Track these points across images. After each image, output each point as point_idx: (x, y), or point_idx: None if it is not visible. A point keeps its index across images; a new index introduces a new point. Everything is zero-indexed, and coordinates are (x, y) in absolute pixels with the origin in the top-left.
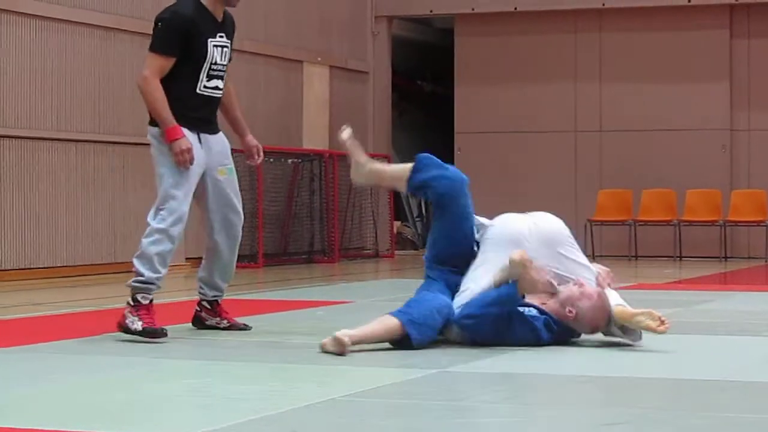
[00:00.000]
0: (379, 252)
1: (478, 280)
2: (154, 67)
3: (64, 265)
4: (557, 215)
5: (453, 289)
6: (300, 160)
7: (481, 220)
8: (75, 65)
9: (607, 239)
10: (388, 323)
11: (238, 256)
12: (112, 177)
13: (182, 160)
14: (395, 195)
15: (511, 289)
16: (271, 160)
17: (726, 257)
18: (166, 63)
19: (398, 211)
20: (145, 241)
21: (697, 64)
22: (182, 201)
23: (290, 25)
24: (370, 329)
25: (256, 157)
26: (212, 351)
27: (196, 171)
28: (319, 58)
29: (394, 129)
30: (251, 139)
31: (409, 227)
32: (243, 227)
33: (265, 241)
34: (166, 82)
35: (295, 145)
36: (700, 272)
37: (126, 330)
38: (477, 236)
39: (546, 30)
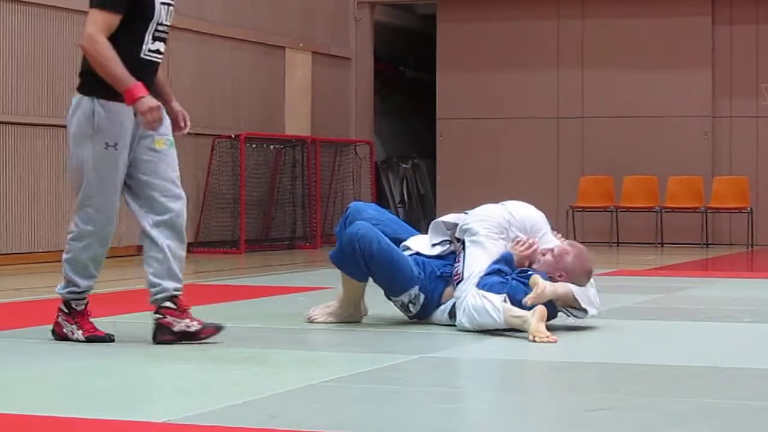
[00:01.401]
0: None
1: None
2: (101, 23)
3: (45, 250)
4: (539, 201)
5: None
6: (282, 146)
7: (449, 218)
8: (57, 50)
9: (589, 226)
10: None
11: (222, 241)
12: None
13: (152, 120)
14: (377, 181)
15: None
16: (254, 145)
17: (708, 244)
18: (113, 20)
19: (380, 197)
20: (75, 245)
21: (680, 50)
22: (112, 194)
23: (273, 11)
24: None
25: (183, 125)
26: None
27: (125, 153)
28: (302, 44)
29: (376, 115)
30: (177, 106)
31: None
32: (188, 209)
33: (247, 227)
34: None
35: (278, 131)
36: (681, 259)
37: (65, 339)
38: (449, 234)
39: (528, 16)
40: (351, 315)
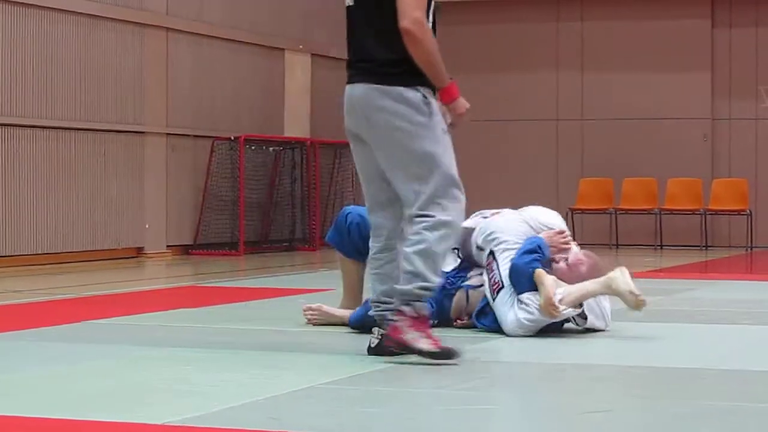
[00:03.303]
0: None
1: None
2: (423, 5)
3: (45, 252)
4: (538, 203)
5: None
6: (281, 148)
7: (466, 223)
8: (56, 52)
9: (589, 227)
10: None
11: (221, 243)
12: (93, 164)
13: (461, 124)
14: None
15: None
16: (253, 147)
17: (707, 246)
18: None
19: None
20: (430, 235)
21: (679, 53)
22: (457, 178)
23: (272, 12)
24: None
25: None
26: (192, 339)
27: None
28: (301, 46)
29: None
30: None
31: None
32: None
33: (246, 228)
34: None
35: (277, 133)
36: (680, 261)
37: (404, 347)
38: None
39: (528, 19)
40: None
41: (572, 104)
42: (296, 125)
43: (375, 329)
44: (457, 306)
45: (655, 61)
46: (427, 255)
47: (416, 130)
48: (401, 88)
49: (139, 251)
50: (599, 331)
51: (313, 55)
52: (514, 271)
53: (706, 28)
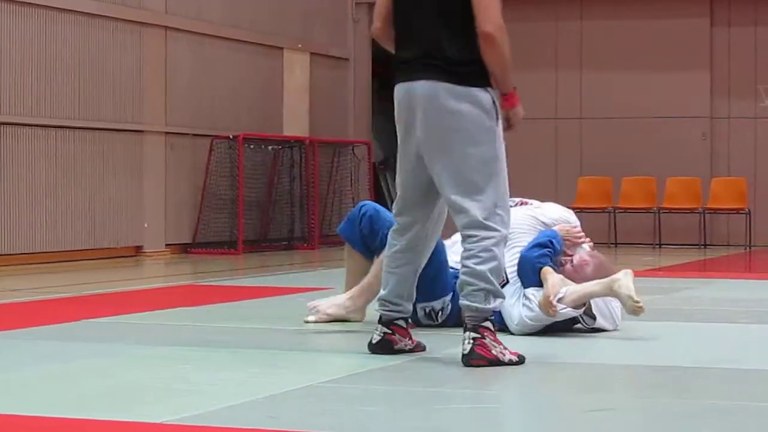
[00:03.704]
0: None
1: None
2: (500, 8)
3: (43, 251)
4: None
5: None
6: (280, 147)
7: None
8: (54, 51)
9: (587, 226)
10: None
11: (220, 242)
12: (92, 163)
13: (515, 130)
14: (375, 181)
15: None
16: (252, 146)
17: (705, 245)
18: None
19: (378, 198)
20: (498, 252)
21: (678, 52)
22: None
23: (271, 11)
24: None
25: None
26: (191, 337)
27: None
28: (300, 45)
29: (374, 115)
30: None
31: None
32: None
33: (245, 227)
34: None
35: (276, 132)
36: (679, 260)
37: (495, 363)
38: None
39: (527, 18)
40: (355, 310)
41: (571, 103)
42: (295, 124)
43: (378, 326)
44: None
45: (654, 60)
46: (498, 272)
47: (481, 133)
48: (474, 89)
49: (138, 250)
50: (605, 331)
51: (312, 54)
52: (522, 264)
53: (705, 27)
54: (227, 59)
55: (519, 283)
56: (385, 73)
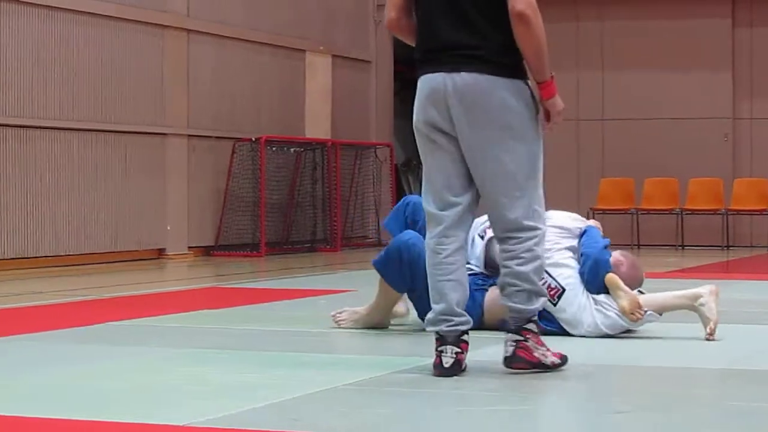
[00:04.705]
0: (382, 241)
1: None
2: None
3: (66, 254)
4: (559, 204)
5: None
6: (302, 149)
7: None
8: (77, 54)
9: (609, 228)
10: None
11: (242, 244)
12: (114, 166)
13: (557, 123)
14: (397, 182)
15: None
16: (274, 148)
17: (728, 246)
18: None
19: (400, 200)
20: (539, 250)
21: (700, 52)
22: None
23: (293, 14)
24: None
25: None
26: (213, 340)
27: None
28: (322, 47)
29: (396, 117)
30: None
31: None
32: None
33: (267, 230)
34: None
35: (298, 134)
36: (702, 261)
37: (538, 366)
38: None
39: (547, 18)
40: (377, 324)
41: (593, 104)
42: (317, 126)
43: (448, 347)
44: (490, 308)
45: (675, 61)
46: (540, 271)
47: (525, 127)
48: (517, 81)
49: (160, 253)
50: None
51: (334, 56)
52: (595, 268)
53: (726, 27)
54: (249, 62)
55: (581, 288)
56: (407, 73)
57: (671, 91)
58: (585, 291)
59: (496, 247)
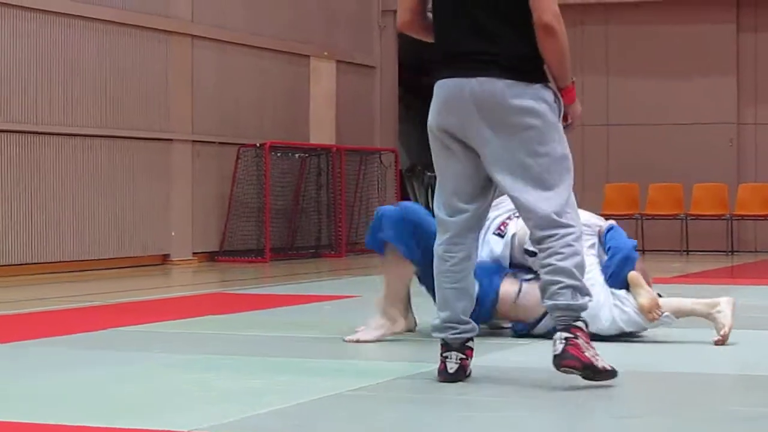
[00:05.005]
0: None
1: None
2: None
3: (71, 259)
4: None
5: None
6: (307, 155)
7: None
8: (82, 60)
9: None
10: None
11: (247, 250)
12: (119, 172)
13: (575, 127)
14: (402, 188)
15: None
16: (278, 154)
17: (733, 251)
18: None
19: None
20: (579, 246)
21: (704, 58)
22: None
23: (297, 19)
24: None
25: None
26: (218, 346)
27: None
28: (326, 53)
29: (400, 123)
30: None
31: None
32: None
33: (271, 235)
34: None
35: (302, 140)
36: (706, 266)
37: (588, 367)
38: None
39: None
40: (397, 323)
41: (597, 109)
42: (322, 132)
43: (453, 353)
44: (505, 300)
45: (680, 66)
46: (582, 268)
47: (549, 131)
48: (539, 85)
49: (165, 258)
50: (630, 337)
51: (338, 61)
52: (623, 263)
53: (731, 32)
54: (253, 67)
55: (602, 285)
56: (412, 79)
57: (676, 97)
58: (605, 288)
59: (519, 241)
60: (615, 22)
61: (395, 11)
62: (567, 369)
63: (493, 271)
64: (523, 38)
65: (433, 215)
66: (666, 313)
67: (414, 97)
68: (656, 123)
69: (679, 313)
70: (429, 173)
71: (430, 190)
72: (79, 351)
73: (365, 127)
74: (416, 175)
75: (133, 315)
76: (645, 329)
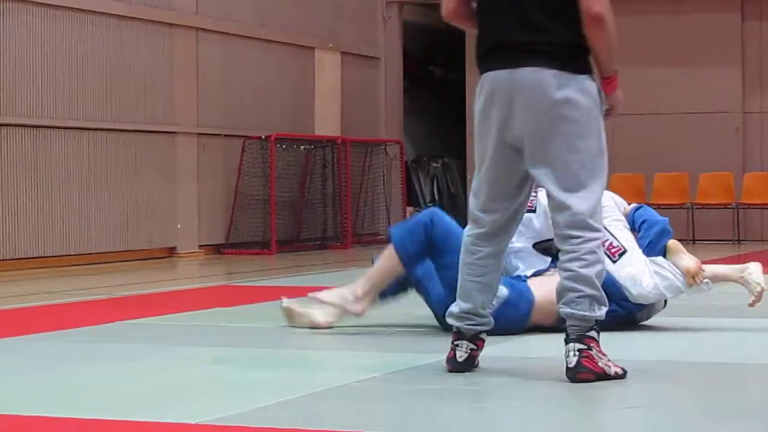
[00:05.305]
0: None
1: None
2: None
3: (77, 253)
4: None
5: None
6: (312, 147)
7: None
8: (86, 54)
9: None
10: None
11: (252, 242)
12: (124, 165)
13: (614, 116)
14: (408, 180)
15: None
16: (284, 146)
17: (739, 240)
18: None
19: (411, 196)
20: (602, 255)
21: (709, 47)
22: None
23: (301, 11)
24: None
25: None
26: (225, 338)
27: None
28: (331, 44)
29: (405, 115)
30: None
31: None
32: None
33: (277, 227)
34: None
35: (308, 132)
36: (713, 255)
37: (602, 377)
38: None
39: None
40: (356, 305)
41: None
42: (327, 124)
43: (464, 342)
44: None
45: (685, 56)
46: (602, 277)
47: (591, 124)
48: (584, 76)
49: (171, 251)
50: (639, 325)
51: (342, 53)
52: (662, 231)
53: (736, 21)
54: (258, 59)
55: (640, 252)
56: (416, 71)
57: (680, 86)
58: (643, 256)
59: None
60: (620, 12)
61: (399, 2)
62: (582, 381)
63: (520, 290)
64: (569, 28)
65: (436, 206)
66: (706, 280)
67: (419, 89)
68: (661, 112)
69: (715, 279)
70: (434, 164)
71: (435, 181)
72: (86, 344)
73: (370, 118)
74: (422, 166)
75: (140, 308)
76: (683, 294)
